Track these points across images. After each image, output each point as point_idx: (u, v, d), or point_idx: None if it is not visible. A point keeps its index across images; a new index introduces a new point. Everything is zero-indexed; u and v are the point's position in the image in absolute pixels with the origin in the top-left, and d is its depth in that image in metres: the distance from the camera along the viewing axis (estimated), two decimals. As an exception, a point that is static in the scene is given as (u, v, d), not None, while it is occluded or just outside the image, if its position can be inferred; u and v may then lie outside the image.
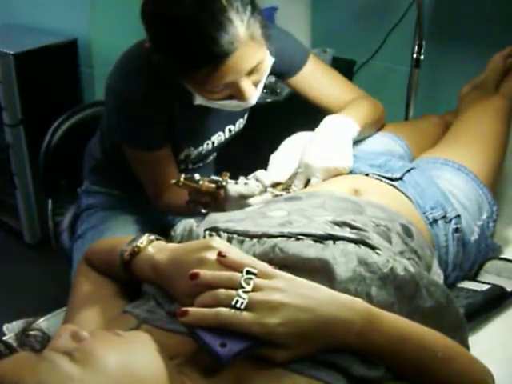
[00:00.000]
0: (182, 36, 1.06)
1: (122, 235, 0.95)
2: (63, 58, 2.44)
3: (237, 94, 1.16)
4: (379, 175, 1.18)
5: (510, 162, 1.49)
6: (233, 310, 0.67)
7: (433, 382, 0.71)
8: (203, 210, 1.17)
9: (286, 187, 1.20)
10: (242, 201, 1.12)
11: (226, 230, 0.89)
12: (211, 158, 1.55)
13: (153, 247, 0.84)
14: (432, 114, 1.72)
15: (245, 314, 0.66)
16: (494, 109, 1.50)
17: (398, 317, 0.73)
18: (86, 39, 2.41)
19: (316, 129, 1.25)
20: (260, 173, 1.16)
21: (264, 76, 1.19)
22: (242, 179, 1.15)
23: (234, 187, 1.12)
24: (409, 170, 1.20)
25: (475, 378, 0.73)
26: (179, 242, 0.89)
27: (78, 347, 0.63)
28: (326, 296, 0.70)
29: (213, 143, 1.42)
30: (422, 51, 1.82)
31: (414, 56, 1.84)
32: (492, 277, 1.22)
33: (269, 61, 1.18)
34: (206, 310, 0.68)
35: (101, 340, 0.65)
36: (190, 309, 0.68)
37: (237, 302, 0.67)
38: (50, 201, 1.73)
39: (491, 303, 1.11)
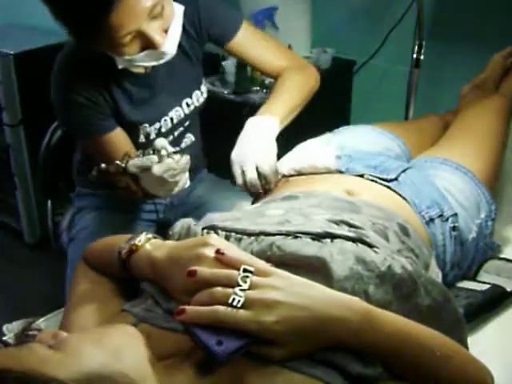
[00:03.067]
0: None
1: (113, 235, 0.95)
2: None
3: (147, 43, 1.17)
4: (374, 176, 1.18)
5: (509, 161, 1.49)
6: (229, 309, 0.67)
7: (431, 381, 0.71)
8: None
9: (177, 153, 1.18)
10: (147, 173, 1.10)
11: (224, 229, 0.89)
12: (187, 141, 1.53)
13: (150, 245, 0.84)
14: (432, 114, 1.72)
15: (241, 312, 0.66)
16: (493, 108, 1.50)
17: (396, 315, 0.72)
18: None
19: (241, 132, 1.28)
20: (157, 140, 1.14)
21: (171, 21, 1.19)
22: (137, 153, 1.15)
23: (131, 162, 1.11)
24: (404, 170, 1.20)
25: (474, 377, 0.73)
26: (177, 240, 0.89)
27: (57, 341, 0.66)
28: (323, 294, 0.70)
29: (171, 119, 1.42)
30: (422, 51, 1.82)
31: (414, 56, 1.84)
32: (492, 277, 1.21)
33: (173, 6, 1.19)
34: (202, 308, 0.68)
35: (78, 333, 0.70)
36: (187, 307, 0.68)
37: (233, 300, 0.67)
38: (49, 201, 1.73)
39: (491, 303, 1.10)
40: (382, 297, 0.77)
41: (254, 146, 1.23)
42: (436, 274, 1.01)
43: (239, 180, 1.22)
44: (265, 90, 2.06)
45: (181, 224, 0.92)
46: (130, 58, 1.19)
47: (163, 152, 1.11)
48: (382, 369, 0.70)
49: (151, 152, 1.11)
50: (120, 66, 1.23)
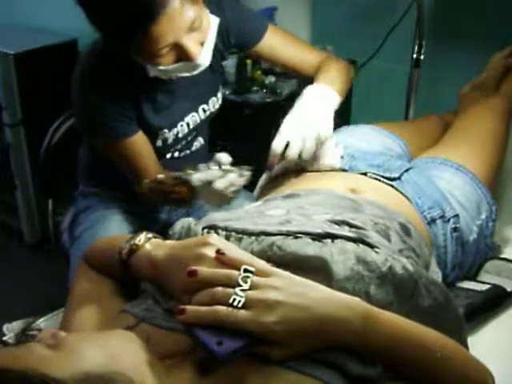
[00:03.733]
0: (113, 2, 1.07)
1: (118, 235, 0.95)
2: (63, 58, 2.44)
3: (183, 54, 1.17)
4: (377, 175, 1.18)
5: (510, 161, 1.49)
6: (230, 309, 0.67)
7: (431, 381, 0.71)
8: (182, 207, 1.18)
9: (247, 166, 1.19)
10: (209, 187, 1.12)
11: (225, 228, 0.89)
12: (197, 145, 1.54)
13: (150, 244, 0.84)
14: (432, 114, 1.72)
15: (242, 312, 0.66)
16: (493, 109, 1.50)
17: (397, 316, 0.72)
18: (85, 39, 2.41)
19: (299, 97, 1.26)
20: (219, 155, 1.15)
21: (208, 34, 1.20)
22: (201, 166, 1.15)
23: (195, 176, 1.12)
24: (407, 170, 1.21)
25: (474, 377, 0.73)
26: (177, 239, 0.89)
27: (56, 340, 0.66)
28: (324, 294, 0.70)
29: (188, 124, 1.42)
30: (422, 51, 1.82)
31: (414, 56, 1.84)
32: (492, 277, 1.22)
33: (210, 19, 1.20)
34: (203, 308, 0.68)
35: (77, 333, 0.71)
36: (188, 307, 0.68)
37: (234, 300, 0.67)
38: (50, 201, 1.73)
39: (491, 303, 1.10)
40: (383, 297, 0.77)
41: (316, 113, 1.21)
42: (436, 273, 1.01)
43: (296, 149, 1.17)
44: (265, 90, 2.06)
45: (181, 224, 0.92)
46: (164, 68, 1.19)
47: (227, 167, 1.13)
48: (382, 369, 0.70)
49: (214, 166, 1.13)
50: (151, 75, 1.22)
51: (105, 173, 1.50)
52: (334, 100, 1.29)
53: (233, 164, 1.17)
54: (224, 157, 1.15)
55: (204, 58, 1.21)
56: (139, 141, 1.34)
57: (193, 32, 1.15)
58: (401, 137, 1.44)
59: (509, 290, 1.13)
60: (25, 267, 2.53)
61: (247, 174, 1.15)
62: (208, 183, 1.11)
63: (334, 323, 0.67)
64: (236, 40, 1.38)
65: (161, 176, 1.13)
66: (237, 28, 1.36)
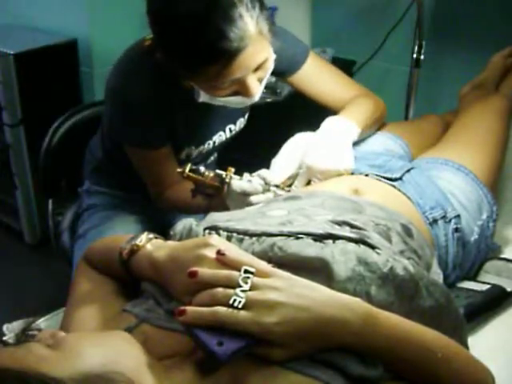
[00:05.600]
0: (193, 33, 1.05)
1: (120, 235, 0.95)
2: (63, 58, 2.44)
3: (242, 90, 1.16)
4: (379, 175, 1.18)
5: (510, 161, 1.49)
6: (230, 309, 0.67)
7: (432, 382, 0.71)
8: (205, 201, 1.18)
9: (288, 186, 1.20)
10: (244, 198, 1.12)
11: (226, 229, 0.89)
12: (212, 158, 1.55)
13: (151, 245, 0.84)
14: (432, 114, 1.72)
15: (242, 313, 0.66)
16: (493, 109, 1.49)
17: (398, 317, 0.72)
18: (85, 39, 2.41)
19: (318, 130, 1.25)
20: (264, 171, 1.16)
21: (268, 72, 1.19)
22: (246, 176, 1.15)
23: (238, 183, 1.12)
24: (408, 170, 1.20)
25: (475, 377, 0.73)
26: (178, 240, 0.89)
27: (55, 340, 0.66)
28: (325, 295, 0.70)
29: (214, 143, 1.42)
30: (422, 51, 1.82)
31: (414, 56, 1.84)
32: (492, 277, 1.22)
33: (272, 57, 1.18)
34: (203, 309, 0.68)
35: (76, 333, 0.71)
36: (188, 308, 0.68)
37: (234, 301, 0.67)
38: (50, 201, 1.73)
39: (491, 303, 1.10)
40: (384, 298, 0.76)
41: (334, 154, 1.18)
42: (437, 274, 1.00)
43: (281, 176, 1.18)
44: (265, 90, 2.05)
45: (182, 224, 0.92)
46: (218, 98, 1.18)
47: (272, 188, 1.13)
48: (383, 369, 0.70)
49: (258, 179, 1.13)
50: (201, 100, 1.21)
51: (117, 174, 1.50)
52: (354, 132, 1.25)
53: (276, 185, 1.17)
54: (270, 176, 1.14)
55: (259, 94, 1.20)
56: (165, 153, 1.33)
57: (258, 70, 1.15)
58: (401, 137, 1.44)
59: (509, 289, 1.13)
60: (25, 267, 2.53)
61: (283, 192, 1.15)
62: (245, 194, 1.11)
63: (334, 324, 0.67)
64: (275, 66, 1.24)
65: (202, 168, 1.13)
66: (278, 54, 1.24)
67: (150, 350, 0.71)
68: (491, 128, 1.42)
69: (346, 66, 2.26)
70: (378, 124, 1.41)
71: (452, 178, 1.23)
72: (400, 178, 1.17)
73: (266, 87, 2.05)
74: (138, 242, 0.84)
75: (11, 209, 2.64)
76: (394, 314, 0.72)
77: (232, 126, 1.44)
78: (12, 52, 2.30)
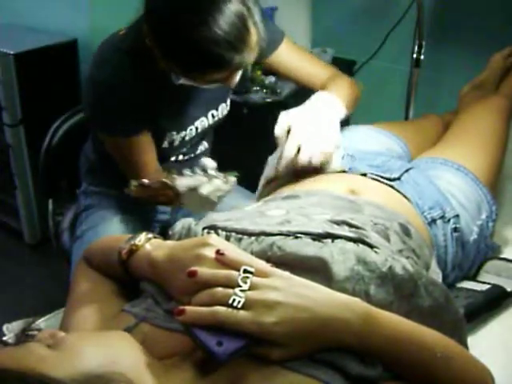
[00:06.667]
0: (202, 43, 1.07)
1: (120, 235, 0.95)
2: (63, 57, 2.44)
3: (224, 81, 1.19)
4: (377, 175, 1.18)
5: (510, 161, 1.49)
6: (229, 309, 0.67)
7: (432, 382, 0.71)
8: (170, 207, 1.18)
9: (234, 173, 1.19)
10: (194, 193, 1.11)
11: (225, 229, 0.89)
12: (202, 148, 1.54)
13: (150, 245, 0.84)
14: (432, 114, 1.72)
15: (241, 312, 0.66)
16: (493, 108, 1.49)
17: (397, 317, 0.72)
18: (85, 39, 2.42)
19: (306, 102, 1.26)
20: (204, 160, 1.16)
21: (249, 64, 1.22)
22: (186, 171, 1.15)
23: (181, 182, 1.12)
24: (407, 170, 1.20)
25: (475, 377, 0.73)
26: (177, 239, 0.89)
27: (55, 340, 0.66)
28: (324, 295, 0.70)
29: (196, 129, 1.43)
30: (422, 51, 1.82)
31: (414, 56, 1.84)
32: (492, 277, 1.21)
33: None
34: (202, 308, 0.68)
35: (76, 333, 0.71)
36: (187, 307, 0.68)
37: (233, 300, 0.67)
38: (50, 201, 1.74)
39: (491, 303, 1.10)
40: (383, 297, 0.76)
41: (327, 120, 1.20)
42: (436, 274, 1.01)
43: (307, 154, 1.16)
44: (265, 90, 2.06)
45: (181, 224, 0.92)
46: (197, 85, 1.21)
47: (212, 172, 1.12)
48: (382, 369, 0.69)
49: (199, 171, 1.12)
50: (179, 83, 1.22)
51: (110, 172, 1.51)
52: (341, 111, 1.28)
53: (219, 169, 1.17)
54: (209, 162, 1.14)
55: (236, 82, 1.22)
56: (143, 140, 1.34)
57: None
58: (401, 137, 1.44)
59: (509, 290, 1.12)
60: (25, 267, 2.53)
61: (232, 179, 1.15)
62: (193, 189, 1.11)
63: (334, 324, 0.67)
64: None
65: (145, 181, 1.13)
66: None
67: (150, 349, 0.71)
68: (491, 128, 1.42)
69: (346, 65, 2.25)
70: (355, 105, 1.42)
71: (451, 178, 1.23)
72: (398, 178, 1.17)
73: (265, 87, 2.07)
74: (136, 241, 0.84)
75: (11, 209, 2.64)
76: (394, 314, 0.72)
77: (214, 112, 1.45)
78: (12, 52, 2.30)
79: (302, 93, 1.92)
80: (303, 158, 1.16)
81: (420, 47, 1.82)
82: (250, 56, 1.12)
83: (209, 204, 1.14)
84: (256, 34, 1.12)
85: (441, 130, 1.56)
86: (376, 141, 1.40)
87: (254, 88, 2.08)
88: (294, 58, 1.43)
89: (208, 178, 1.12)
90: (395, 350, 0.69)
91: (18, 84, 2.34)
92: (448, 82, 2.04)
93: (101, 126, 1.37)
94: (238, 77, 1.20)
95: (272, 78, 2.07)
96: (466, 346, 0.81)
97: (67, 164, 1.70)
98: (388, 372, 0.70)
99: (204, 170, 1.13)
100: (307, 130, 1.18)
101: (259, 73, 2.07)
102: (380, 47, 2.14)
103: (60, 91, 2.44)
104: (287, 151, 1.17)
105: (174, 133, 1.39)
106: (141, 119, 1.31)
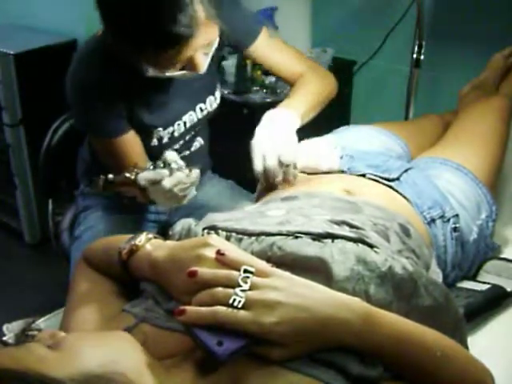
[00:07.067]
0: (146, 20, 1.07)
1: (118, 235, 0.95)
2: (63, 58, 2.43)
3: (191, 66, 1.19)
4: (376, 175, 1.17)
5: (510, 161, 1.49)
6: (230, 309, 0.67)
7: (432, 381, 0.71)
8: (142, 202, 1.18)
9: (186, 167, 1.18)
10: (158, 187, 1.10)
11: (225, 229, 0.89)
12: (197, 145, 1.54)
13: (151, 245, 0.84)
14: (431, 114, 1.72)
15: (242, 312, 0.66)
16: (493, 109, 1.49)
17: (397, 316, 0.72)
18: (85, 39, 2.41)
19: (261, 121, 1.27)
20: (167, 154, 1.14)
21: (214, 47, 1.22)
22: (148, 165, 1.14)
23: (142, 175, 1.10)
24: (406, 170, 1.20)
25: (474, 377, 0.73)
26: (178, 240, 0.89)
27: (55, 340, 0.66)
28: (324, 295, 0.70)
29: (184, 123, 1.43)
30: (422, 51, 1.82)
31: (414, 56, 1.84)
32: (492, 277, 1.22)
33: (217, 35, 1.22)
34: (203, 308, 0.68)
35: (76, 334, 0.71)
36: (188, 307, 0.68)
37: (234, 300, 0.67)
38: (50, 201, 1.73)
39: (491, 303, 1.10)
40: (383, 297, 0.77)
41: (276, 134, 1.22)
42: (437, 274, 1.01)
43: (259, 166, 1.19)
44: (265, 90, 2.06)
45: (181, 224, 0.92)
46: (168, 74, 1.20)
47: (174, 165, 1.11)
48: (383, 369, 0.70)
49: (161, 165, 1.11)
50: (149, 75, 1.22)
51: (105, 174, 1.50)
52: (296, 122, 1.28)
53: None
54: (171, 155, 1.13)
55: (205, 67, 1.23)
56: (128, 140, 1.34)
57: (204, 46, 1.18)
58: (401, 137, 1.44)
59: (509, 290, 1.12)
60: (25, 267, 2.53)
61: (195, 172, 1.14)
62: (156, 182, 1.10)
63: (334, 324, 0.67)
64: (230, 39, 1.37)
65: (111, 176, 1.11)
66: (231, 27, 1.36)
67: (150, 349, 0.71)
68: (491, 128, 1.42)
69: (346, 65, 2.26)
70: (327, 100, 1.43)
71: (451, 178, 1.23)
72: (398, 178, 1.17)
73: (265, 87, 2.07)
74: (137, 241, 0.84)
75: (11, 209, 2.64)
76: (394, 314, 0.72)
77: (202, 105, 1.45)
78: (12, 52, 2.31)
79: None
80: (270, 163, 1.18)
81: (420, 47, 1.82)
82: (197, 33, 1.11)
83: (175, 198, 1.13)
84: (204, 11, 1.12)
85: (441, 129, 1.56)
86: (376, 140, 1.40)
87: (254, 88, 2.08)
88: (272, 49, 1.43)
89: (170, 172, 1.11)
90: (395, 349, 0.69)
91: (18, 84, 2.35)
92: (448, 82, 2.04)
93: (87, 129, 1.39)
94: (205, 61, 1.20)
95: (272, 78, 2.07)
96: (466, 345, 0.81)
97: (67, 164, 1.70)
98: (388, 372, 0.70)
99: (166, 164, 1.12)
100: (266, 142, 1.20)
101: (259, 73, 2.07)
102: (380, 47, 2.14)
103: (60, 91, 2.44)
104: (256, 166, 1.19)
105: (161, 129, 1.39)
106: (120, 119, 1.32)
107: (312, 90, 1.37)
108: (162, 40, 1.09)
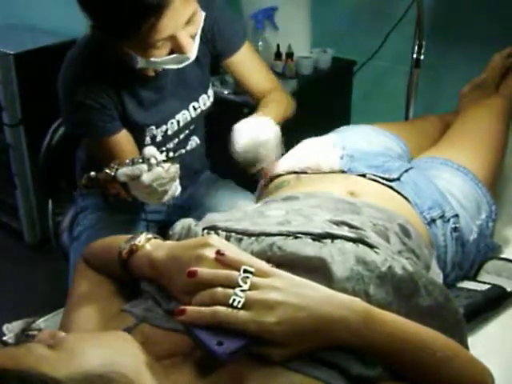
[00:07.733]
0: None
1: (116, 235, 0.95)
2: (63, 58, 2.44)
3: (176, 47, 1.19)
4: (376, 176, 1.17)
5: (510, 161, 1.49)
6: (230, 309, 0.67)
7: (432, 381, 0.71)
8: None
9: (167, 161, 1.18)
10: (138, 183, 1.09)
11: (225, 229, 0.89)
12: (193, 144, 1.54)
13: (150, 245, 0.84)
14: (431, 114, 1.72)
15: (242, 312, 0.66)
16: (493, 109, 1.50)
17: (397, 316, 0.72)
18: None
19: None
20: (145, 148, 1.13)
21: (199, 28, 1.23)
22: (127, 161, 1.13)
23: (121, 171, 1.09)
24: (407, 170, 1.20)
25: (474, 377, 0.73)
26: (177, 240, 0.90)
27: (55, 340, 0.66)
28: (324, 295, 0.70)
29: (178, 122, 1.43)
30: (422, 51, 1.82)
31: (414, 56, 1.84)
32: (492, 277, 1.21)
33: (201, 13, 1.22)
34: (203, 308, 0.68)
35: (76, 334, 0.71)
36: (188, 307, 0.68)
37: (234, 300, 0.67)
38: (50, 201, 1.74)
39: (491, 303, 1.10)
40: (383, 297, 0.77)
41: (252, 121, 1.26)
42: (437, 274, 1.00)
43: (237, 145, 1.23)
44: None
45: (181, 224, 0.92)
46: (154, 60, 1.20)
47: (152, 161, 1.10)
48: (382, 369, 0.70)
49: (140, 160, 1.11)
50: (138, 66, 1.23)
51: None
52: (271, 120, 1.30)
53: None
54: (149, 150, 1.12)
55: (194, 51, 1.23)
56: (120, 139, 1.34)
57: (187, 26, 1.17)
58: (400, 137, 1.44)
59: (509, 289, 1.12)
60: (25, 267, 2.53)
61: (174, 167, 1.14)
62: (135, 178, 1.09)
63: (334, 323, 0.67)
64: (215, 43, 1.40)
65: (92, 173, 1.11)
66: (219, 31, 1.38)
67: (150, 349, 0.71)
68: (491, 128, 1.42)
69: (346, 66, 2.26)
70: (285, 119, 1.45)
71: (451, 178, 1.23)
72: (398, 179, 1.17)
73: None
74: (137, 242, 0.84)
75: (11, 209, 2.64)
76: (394, 314, 0.72)
77: (195, 104, 1.45)
78: (12, 52, 2.31)
79: (301, 93, 1.93)
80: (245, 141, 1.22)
81: (420, 47, 1.82)
82: (173, 3, 1.10)
83: (155, 193, 1.13)
84: None
85: (440, 130, 1.55)
86: (376, 141, 1.40)
87: (254, 88, 2.08)
88: (248, 64, 1.45)
89: (148, 167, 1.10)
90: (395, 349, 0.70)
91: (18, 84, 2.35)
92: (448, 82, 2.04)
93: (78, 130, 1.39)
94: (189, 42, 1.20)
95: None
96: (466, 345, 0.81)
97: (67, 164, 1.70)
98: (388, 372, 0.70)
99: (144, 159, 1.12)
100: (244, 126, 1.25)
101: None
102: (380, 47, 2.14)
103: (60, 91, 2.44)
104: (233, 147, 1.24)
105: (154, 127, 1.39)
106: (111, 117, 1.32)
107: (279, 108, 1.40)
108: (135, 11, 1.09)
